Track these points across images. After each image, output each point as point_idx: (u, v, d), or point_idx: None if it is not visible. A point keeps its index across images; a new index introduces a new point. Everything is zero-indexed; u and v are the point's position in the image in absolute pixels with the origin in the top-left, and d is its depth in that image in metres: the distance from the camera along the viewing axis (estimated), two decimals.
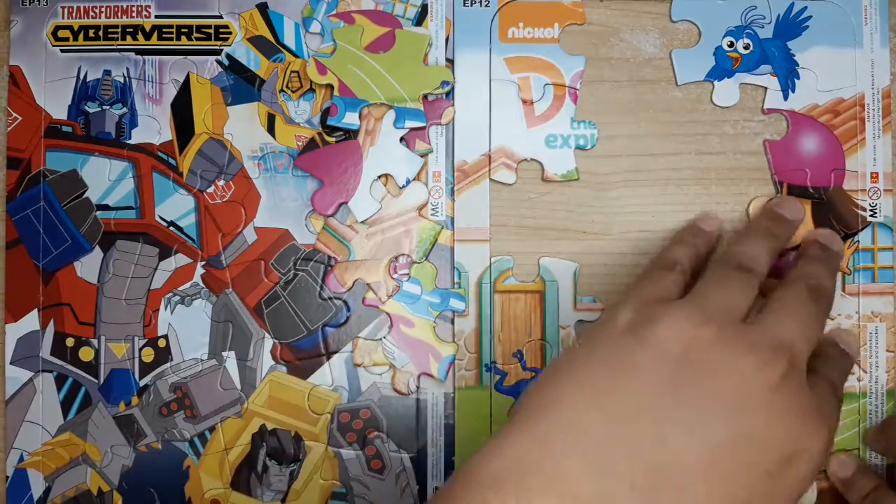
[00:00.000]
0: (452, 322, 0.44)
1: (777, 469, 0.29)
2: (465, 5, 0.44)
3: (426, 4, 0.44)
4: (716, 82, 0.44)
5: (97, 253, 0.44)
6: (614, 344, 0.32)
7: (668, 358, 0.30)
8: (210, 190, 0.44)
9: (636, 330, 0.32)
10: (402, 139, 0.44)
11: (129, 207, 0.45)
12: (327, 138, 0.44)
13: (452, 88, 0.44)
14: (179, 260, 0.44)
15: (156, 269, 0.44)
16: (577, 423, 0.29)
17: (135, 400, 0.44)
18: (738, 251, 0.36)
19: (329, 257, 0.44)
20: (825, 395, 0.33)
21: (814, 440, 0.30)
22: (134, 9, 0.45)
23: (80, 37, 0.45)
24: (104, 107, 0.45)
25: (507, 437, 0.30)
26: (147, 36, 0.45)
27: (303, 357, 0.44)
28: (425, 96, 0.44)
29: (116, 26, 0.45)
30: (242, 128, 0.45)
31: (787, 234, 0.40)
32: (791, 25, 0.44)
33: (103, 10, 0.45)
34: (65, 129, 0.45)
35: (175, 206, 0.44)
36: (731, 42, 0.44)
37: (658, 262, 0.37)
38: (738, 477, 0.29)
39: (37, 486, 0.44)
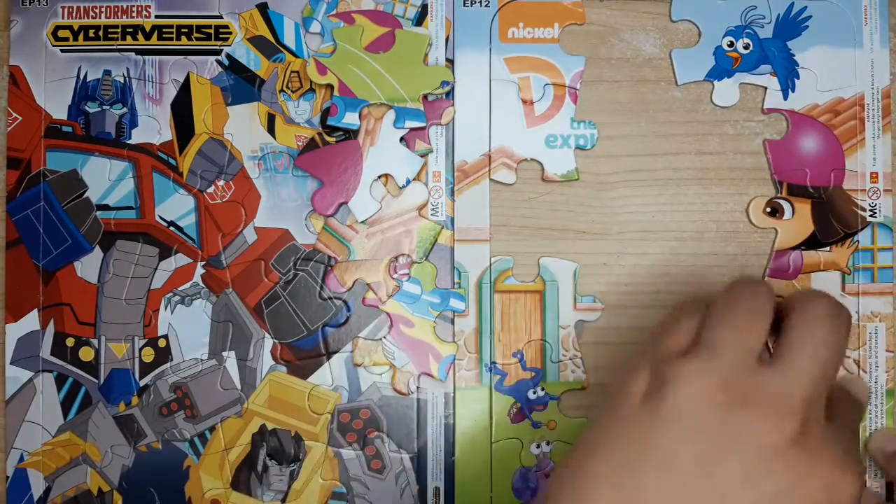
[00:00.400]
0: (452, 322, 0.44)
1: None
2: (465, 5, 0.44)
3: (426, 4, 0.44)
4: (716, 82, 0.44)
5: (97, 253, 0.44)
6: (633, 424, 0.31)
7: (688, 433, 0.30)
8: (210, 190, 0.45)
9: (652, 402, 0.31)
10: (402, 139, 0.44)
11: (130, 207, 0.45)
12: (327, 138, 0.44)
13: (452, 88, 0.44)
14: (179, 260, 0.44)
15: (156, 269, 0.44)
16: None
17: (135, 400, 0.44)
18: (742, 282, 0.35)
19: (329, 257, 0.44)
20: (847, 440, 0.32)
21: (846, 487, 0.30)
22: (134, 9, 0.45)
23: (81, 37, 0.45)
24: (104, 107, 0.45)
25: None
26: (147, 36, 0.45)
27: (303, 357, 0.44)
28: (425, 96, 0.44)
29: (116, 26, 0.45)
30: (242, 128, 0.45)
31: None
32: (791, 25, 0.44)
33: (103, 10, 0.45)
34: (65, 129, 0.45)
35: (175, 206, 0.45)
36: (731, 42, 0.44)
37: (679, 306, 0.36)
38: None
39: (37, 486, 0.44)
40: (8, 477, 0.44)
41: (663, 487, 0.29)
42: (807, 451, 0.30)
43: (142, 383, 0.44)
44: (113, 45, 0.45)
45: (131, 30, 0.45)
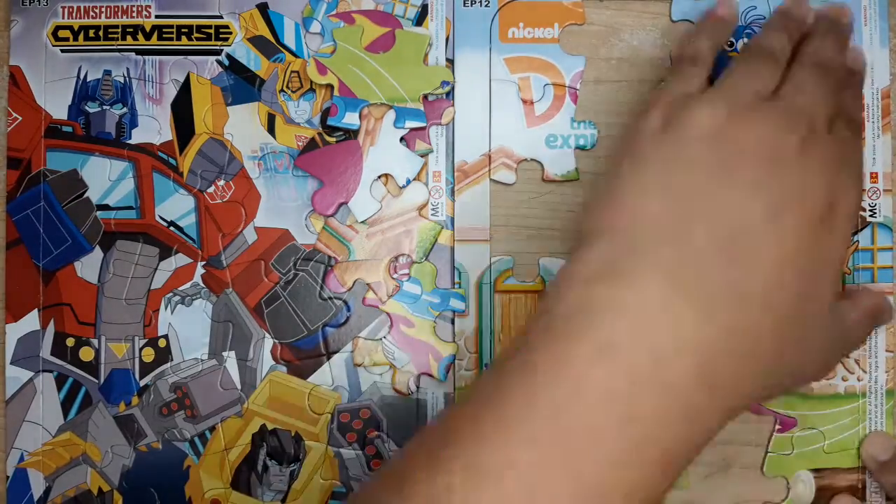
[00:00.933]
0: (452, 322, 0.44)
1: (827, 213, 0.32)
2: (465, 5, 0.44)
3: (426, 4, 0.44)
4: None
5: (97, 253, 0.44)
6: (658, 143, 0.34)
7: (709, 141, 0.33)
8: (210, 190, 0.45)
9: (672, 128, 0.34)
10: (402, 139, 0.44)
11: (130, 207, 0.45)
12: (327, 138, 0.44)
13: (452, 88, 0.44)
14: (179, 260, 0.44)
15: (156, 269, 0.44)
16: (647, 219, 0.32)
17: (135, 400, 0.44)
18: (757, 42, 0.38)
19: (329, 257, 0.44)
20: (849, 151, 0.35)
21: (845, 193, 0.33)
22: (134, 9, 0.45)
23: (81, 37, 0.45)
24: (104, 107, 0.45)
25: (594, 248, 0.32)
26: (147, 36, 0.45)
27: (303, 357, 0.44)
28: (425, 96, 0.44)
29: (117, 26, 0.45)
30: (242, 128, 0.45)
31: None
32: None
33: (103, 10, 0.45)
34: (65, 129, 0.45)
35: (175, 206, 0.45)
36: (732, 42, 0.44)
37: (680, 57, 0.39)
38: (800, 227, 0.32)
39: (37, 486, 0.44)
40: (8, 477, 0.44)
41: (696, 184, 0.32)
42: (809, 159, 0.32)
43: (142, 383, 0.44)
44: (113, 45, 0.45)
45: (131, 30, 0.45)
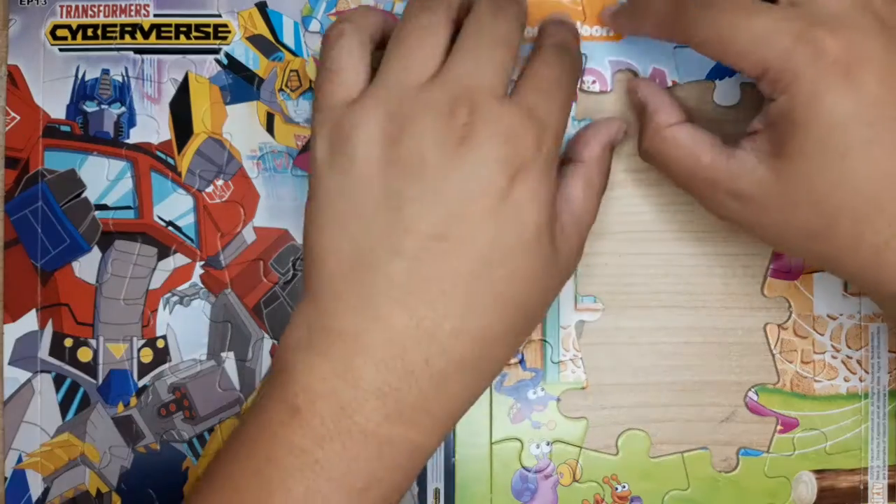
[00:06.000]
0: None
1: (507, 193, 0.31)
2: None
3: None
4: (717, 81, 0.44)
5: (95, 253, 0.44)
6: (325, 178, 0.33)
7: (373, 163, 0.32)
8: (209, 189, 0.44)
9: (336, 164, 0.33)
10: None
11: (128, 207, 0.44)
12: None
13: None
14: (178, 260, 0.44)
15: (154, 269, 0.44)
16: (328, 278, 0.33)
17: (133, 401, 0.44)
18: (405, 18, 0.35)
19: None
20: (540, 99, 0.33)
21: (519, 154, 0.31)
22: (133, 8, 0.45)
23: (79, 36, 0.45)
24: (102, 106, 0.45)
25: (298, 310, 0.34)
26: (146, 35, 0.45)
27: None
28: None
29: (115, 25, 0.45)
30: (241, 127, 0.44)
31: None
32: None
33: (102, 9, 0.45)
34: (63, 128, 0.45)
35: (174, 206, 0.44)
36: None
37: (326, 53, 0.36)
38: (477, 225, 0.31)
39: (35, 487, 0.44)
40: (6, 478, 0.44)
41: (358, 241, 0.32)
42: (476, 140, 0.31)
43: (140, 384, 0.44)
44: (111, 45, 0.45)
45: (130, 29, 0.45)
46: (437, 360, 0.31)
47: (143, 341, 0.44)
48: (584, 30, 0.44)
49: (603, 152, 0.38)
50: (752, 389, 0.43)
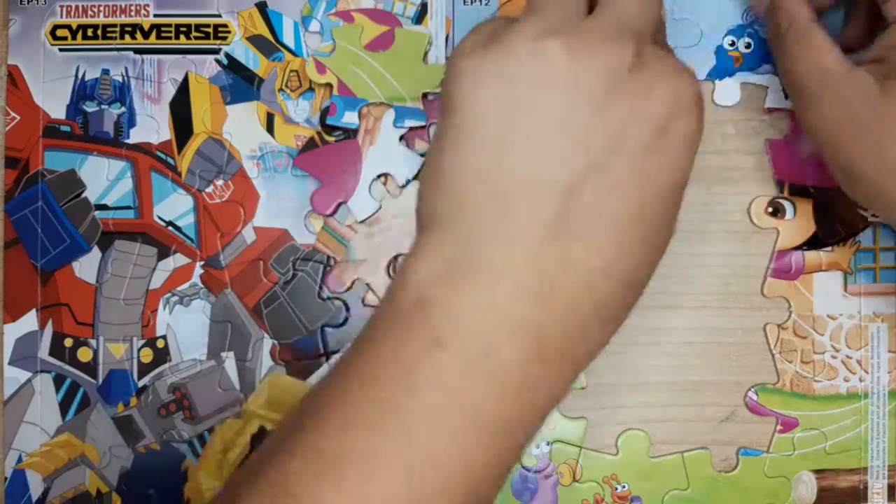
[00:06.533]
0: None
1: (656, 140, 0.30)
2: (465, 4, 0.44)
3: (426, 3, 0.44)
4: (717, 81, 0.44)
5: (95, 253, 0.44)
6: (481, 110, 0.30)
7: (540, 84, 0.29)
8: (209, 189, 0.44)
9: (497, 78, 0.30)
10: (401, 138, 0.44)
11: (128, 207, 0.44)
12: (326, 138, 0.44)
13: None
14: (178, 260, 0.44)
15: (154, 269, 0.44)
16: (468, 201, 0.30)
17: (133, 401, 0.44)
18: None
19: (328, 257, 0.44)
20: (670, 55, 0.32)
21: (689, 88, 0.30)
22: (133, 8, 0.45)
23: (79, 36, 0.45)
24: (102, 106, 0.45)
25: (429, 240, 0.31)
26: (146, 35, 0.45)
27: (302, 357, 0.44)
28: (425, 95, 0.44)
29: (115, 25, 0.45)
30: (241, 127, 0.44)
31: None
32: None
33: (102, 9, 0.45)
34: (63, 128, 0.45)
35: (174, 206, 0.44)
36: (733, 41, 0.44)
37: None
38: (634, 159, 0.29)
39: (35, 488, 0.44)
40: (6, 478, 0.44)
41: (511, 154, 0.29)
42: (645, 72, 0.29)
43: (140, 384, 0.44)
44: (111, 45, 0.45)
45: (130, 29, 0.45)
46: (584, 298, 0.30)
47: (143, 341, 0.44)
48: None
49: None
50: (752, 389, 0.43)
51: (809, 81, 0.36)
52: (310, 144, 0.44)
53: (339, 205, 0.44)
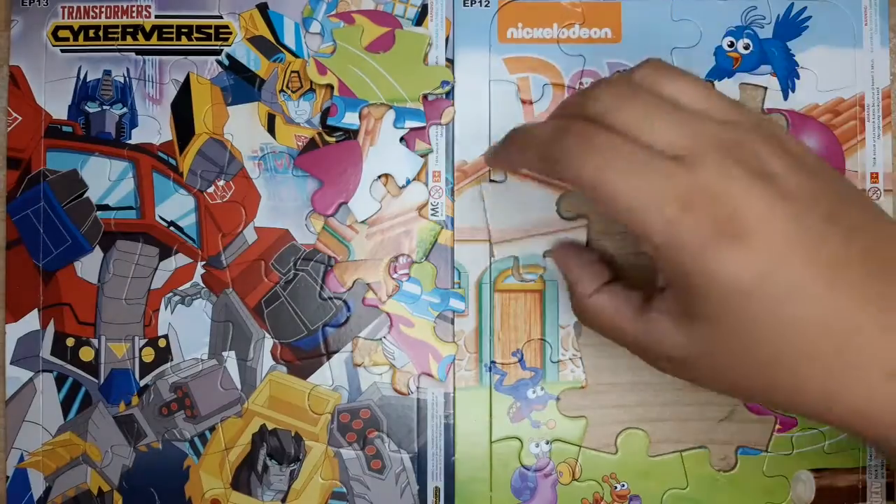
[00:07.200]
0: (452, 322, 0.44)
1: None
2: (464, 5, 0.44)
3: (426, 4, 0.44)
4: (716, 82, 0.44)
5: (97, 253, 0.44)
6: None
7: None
8: (210, 190, 0.45)
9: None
10: (402, 139, 0.44)
11: (130, 207, 0.45)
12: (327, 138, 0.44)
13: (452, 88, 0.44)
14: (179, 260, 0.44)
15: (156, 269, 0.44)
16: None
17: (135, 400, 0.44)
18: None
19: (329, 257, 0.44)
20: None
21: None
22: (134, 9, 0.45)
23: (81, 37, 0.45)
24: (104, 107, 0.45)
25: None
26: (147, 36, 0.45)
27: (303, 357, 0.44)
28: (425, 96, 0.44)
29: (117, 26, 0.45)
30: (242, 128, 0.45)
31: None
32: (791, 25, 0.44)
33: (103, 10, 0.45)
34: (65, 129, 0.45)
35: (175, 206, 0.45)
36: (732, 42, 0.44)
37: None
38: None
39: (37, 486, 0.44)
40: (8, 477, 0.44)
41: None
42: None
43: (142, 383, 0.44)
44: (113, 45, 0.45)
45: (131, 30, 0.45)
46: None
47: (144, 341, 0.44)
48: (583, 32, 0.44)
49: None
50: None
51: (627, 346, 0.35)
52: (311, 145, 0.44)
53: (339, 205, 0.44)
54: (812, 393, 0.29)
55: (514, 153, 0.34)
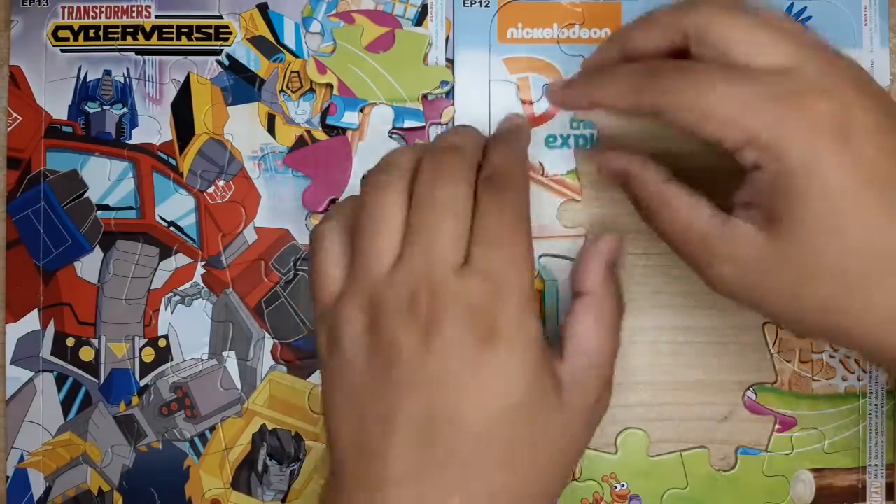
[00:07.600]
0: None
1: (480, 355, 0.31)
2: (464, 5, 0.44)
3: (426, 4, 0.44)
4: None
5: (97, 253, 0.44)
6: (330, 380, 0.34)
7: (364, 362, 0.32)
8: (210, 190, 0.45)
9: (333, 356, 0.33)
10: (391, 134, 0.44)
11: (130, 207, 0.45)
12: (315, 135, 0.44)
13: (452, 88, 0.44)
14: (180, 260, 0.44)
15: (156, 269, 0.44)
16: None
17: (135, 400, 0.44)
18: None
19: None
20: (493, 257, 0.33)
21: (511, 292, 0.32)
22: (134, 9, 0.45)
23: (81, 37, 0.45)
24: (104, 107, 0.45)
25: (325, 484, 0.34)
26: (147, 36, 0.45)
27: (303, 357, 0.44)
28: (425, 96, 0.44)
29: (117, 26, 0.45)
30: (243, 128, 0.45)
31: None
32: None
33: (103, 10, 0.45)
34: (65, 129, 0.45)
35: (175, 206, 0.45)
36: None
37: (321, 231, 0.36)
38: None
39: (37, 486, 0.44)
40: (8, 477, 0.44)
41: (358, 420, 0.32)
42: (439, 324, 0.31)
43: (142, 383, 0.44)
44: (113, 46, 0.45)
45: (131, 30, 0.45)
46: None
47: (144, 341, 0.44)
48: (583, 32, 0.44)
49: (607, 276, 0.37)
50: (751, 388, 0.43)
51: (689, 246, 0.34)
52: (299, 143, 0.44)
53: (330, 201, 0.44)
54: (883, 312, 0.30)
55: (601, 86, 0.35)
